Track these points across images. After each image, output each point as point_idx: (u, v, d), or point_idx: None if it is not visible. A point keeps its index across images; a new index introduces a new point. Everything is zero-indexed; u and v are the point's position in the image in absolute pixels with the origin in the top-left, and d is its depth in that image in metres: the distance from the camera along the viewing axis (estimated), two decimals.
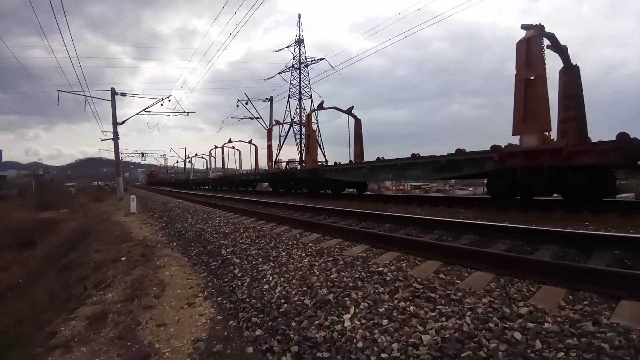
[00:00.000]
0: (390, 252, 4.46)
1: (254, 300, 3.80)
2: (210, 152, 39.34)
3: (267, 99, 33.62)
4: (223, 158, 36.47)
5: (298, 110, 46.71)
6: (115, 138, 27.37)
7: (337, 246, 5.10)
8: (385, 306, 2.93)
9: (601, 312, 2.47)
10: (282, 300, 3.54)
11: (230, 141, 34.12)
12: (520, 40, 8.35)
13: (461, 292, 2.96)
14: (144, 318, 3.95)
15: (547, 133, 8.05)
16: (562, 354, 2.05)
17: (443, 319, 2.61)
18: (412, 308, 2.82)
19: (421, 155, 10.93)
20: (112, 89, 26.67)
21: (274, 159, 22.23)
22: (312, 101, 47.25)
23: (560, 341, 2.15)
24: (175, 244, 7.86)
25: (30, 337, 5.33)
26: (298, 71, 46.88)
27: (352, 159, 16.99)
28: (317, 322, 2.99)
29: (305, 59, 47.05)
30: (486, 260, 3.62)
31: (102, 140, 32.96)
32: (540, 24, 8.31)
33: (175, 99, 47.20)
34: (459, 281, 3.31)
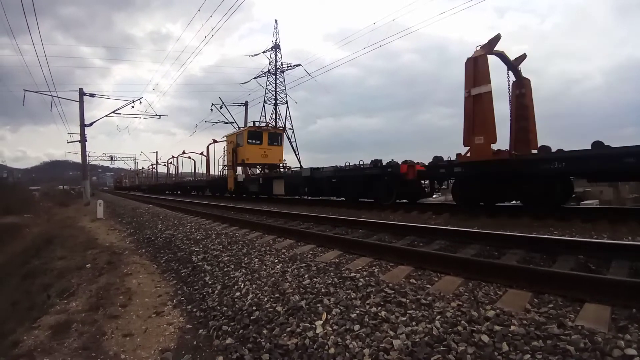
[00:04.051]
0: (363, 258, 4.48)
1: (224, 308, 3.73)
2: (168, 160, 46.22)
3: (242, 103, 33.32)
4: (177, 167, 43.91)
5: (274, 115, 46.69)
6: (83, 140, 26.48)
7: (311, 252, 5.09)
8: (357, 312, 2.93)
9: (566, 315, 2.55)
10: (254, 308, 3.49)
11: (184, 152, 40.97)
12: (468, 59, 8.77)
13: (431, 297, 2.99)
14: (110, 328, 3.82)
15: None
16: (528, 356, 2.09)
17: (413, 323, 2.63)
18: (383, 313, 2.83)
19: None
20: (81, 90, 25.83)
21: None
22: (287, 106, 47.39)
23: (526, 343, 2.19)
24: (144, 250, 7.64)
25: None
26: (274, 76, 46.94)
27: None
28: (289, 329, 2.96)
29: (282, 64, 47.19)
30: (455, 264, 3.69)
31: (68, 143, 31.82)
32: (492, 39, 8.78)
33: (147, 101, 46.46)
34: (429, 286, 3.36)
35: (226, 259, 5.31)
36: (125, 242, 8.92)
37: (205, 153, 32.25)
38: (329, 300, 3.23)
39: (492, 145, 8.42)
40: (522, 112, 9.84)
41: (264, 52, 47.72)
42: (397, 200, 11.40)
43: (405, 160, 10.78)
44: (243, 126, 25.11)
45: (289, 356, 2.66)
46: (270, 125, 22.77)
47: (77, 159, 34.01)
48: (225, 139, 23.65)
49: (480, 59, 8.78)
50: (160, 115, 29.31)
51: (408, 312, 2.79)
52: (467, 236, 5.14)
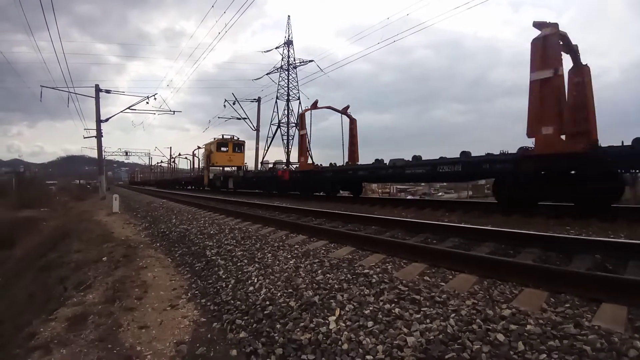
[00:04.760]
0: (376, 254, 4.48)
1: (238, 302, 3.76)
2: (169, 160, 55.80)
3: (254, 99, 33.52)
4: (175, 165, 52.89)
5: (286, 111, 46.78)
6: (99, 136, 26.89)
7: (323, 248, 5.10)
8: (371, 308, 2.93)
9: (583, 315, 2.51)
10: (267, 302, 3.51)
11: (180, 154, 50.94)
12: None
13: (445, 294, 2.98)
14: (126, 320, 3.88)
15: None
16: (544, 355, 2.07)
17: (427, 320, 2.62)
18: (397, 310, 2.82)
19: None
20: (97, 86, 26.19)
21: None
22: (299, 102, 47.35)
23: (542, 343, 2.17)
24: (158, 244, 7.75)
25: (9, 338, 5.18)
26: (286, 72, 46.89)
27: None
28: (302, 324, 2.97)
29: (294, 60, 47.12)
30: (470, 262, 3.66)
31: (85, 138, 32.46)
32: (314, 103, 17.50)
33: (162, 97, 47.78)
34: (443, 283, 3.34)
35: (239, 253, 5.36)
36: (141, 236, 9.05)
37: (195, 155, 40.40)
38: (342, 296, 3.24)
39: (309, 161, 17.22)
40: (352, 140, 16.38)
41: (276, 48, 47.69)
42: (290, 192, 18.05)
43: (284, 168, 20.76)
44: (255, 122, 31.36)
45: (302, 351, 2.68)
46: (235, 137, 30.01)
47: (93, 154, 35.82)
48: (204, 146, 32.48)
49: (304, 114, 17.81)
50: (174, 111, 30.08)
51: (422, 309, 2.79)
52: (481, 234, 5.09)
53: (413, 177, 11.81)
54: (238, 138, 30.16)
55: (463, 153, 9.35)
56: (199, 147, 36.48)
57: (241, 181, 23.36)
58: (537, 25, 7.77)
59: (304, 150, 17.39)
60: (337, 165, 16.10)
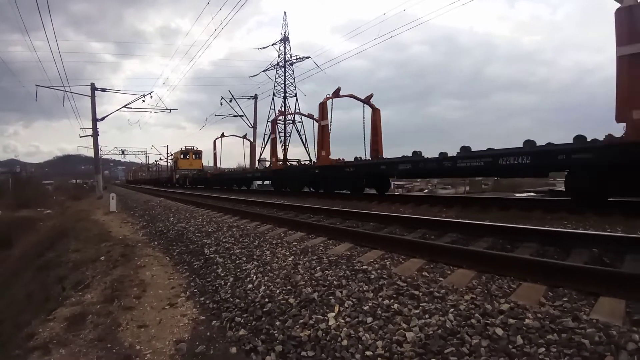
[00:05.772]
0: (375, 251, 4.48)
1: (237, 300, 3.76)
2: (154, 162, 61.45)
3: (251, 96, 33.59)
4: (158, 167, 58.05)
5: (283, 108, 46.75)
6: (95, 135, 26.78)
7: (322, 245, 5.10)
8: (370, 304, 2.93)
9: (581, 309, 2.53)
10: (266, 300, 3.52)
11: (160, 159, 58.81)
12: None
13: (444, 290, 2.98)
14: (125, 319, 3.87)
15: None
16: (543, 349, 2.08)
17: (426, 316, 2.63)
18: (396, 306, 2.83)
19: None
20: (92, 84, 26.05)
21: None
22: (296, 99, 47.37)
23: (541, 337, 2.18)
24: (156, 243, 7.74)
25: (8, 339, 5.18)
26: (283, 69, 46.83)
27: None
28: (301, 321, 2.97)
29: (291, 57, 47.05)
30: (468, 257, 3.67)
31: (81, 137, 32.58)
32: (219, 136, 24.94)
33: (158, 95, 47.87)
34: (442, 279, 3.35)
35: (238, 251, 5.35)
36: (138, 235, 9.03)
37: (170, 160, 46.78)
38: (341, 292, 3.24)
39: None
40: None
41: (273, 44, 47.74)
42: (216, 187, 27.22)
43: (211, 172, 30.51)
44: (252, 120, 35.11)
45: (302, 348, 2.68)
46: (195, 148, 38.51)
47: (90, 153, 37.62)
48: (173, 154, 42.43)
49: (217, 141, 30.84)
50: (170, 109, 30.43)
51: (421, 304, 2.79)
52: (478, 229, 5.10)
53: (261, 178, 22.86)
54: (197, 148, 39.11)
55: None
56: (171, 154, 46.42)
57: (192, 180, 33.96)
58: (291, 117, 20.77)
59: (215, 161, 29.96)
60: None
